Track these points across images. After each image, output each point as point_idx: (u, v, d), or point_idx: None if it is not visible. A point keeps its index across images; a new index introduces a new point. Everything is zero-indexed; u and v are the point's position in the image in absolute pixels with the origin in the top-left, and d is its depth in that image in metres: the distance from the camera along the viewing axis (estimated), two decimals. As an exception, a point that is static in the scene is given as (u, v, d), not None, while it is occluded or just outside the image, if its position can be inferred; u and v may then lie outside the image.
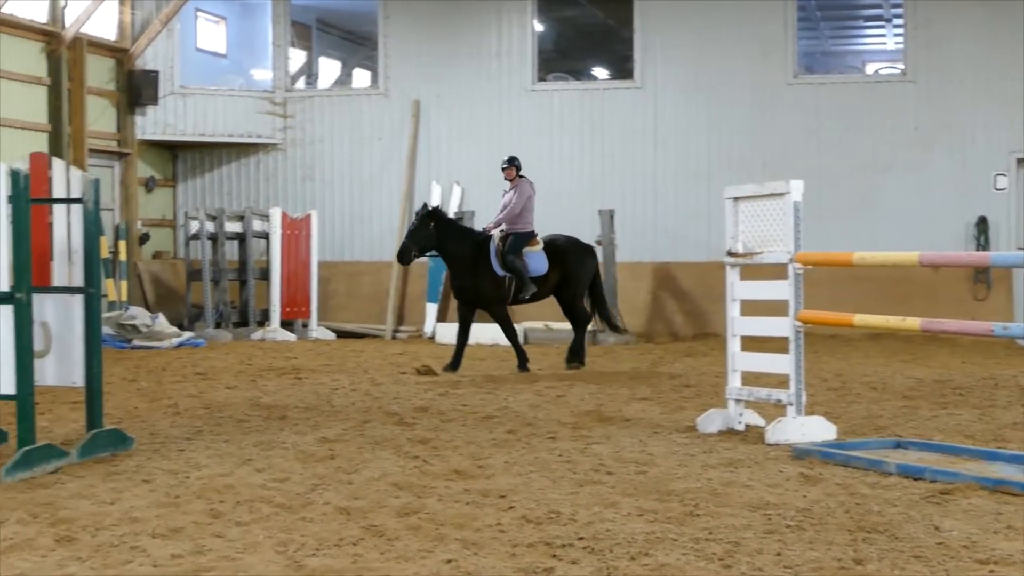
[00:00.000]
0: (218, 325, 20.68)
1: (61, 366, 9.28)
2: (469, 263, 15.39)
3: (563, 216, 21.73)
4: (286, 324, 21.06)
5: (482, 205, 21.76)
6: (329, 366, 16.12)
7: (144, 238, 22.77)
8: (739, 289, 10.43)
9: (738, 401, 10.38)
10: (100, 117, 21.88)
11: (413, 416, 11.22)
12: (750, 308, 10.49)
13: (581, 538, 6.52)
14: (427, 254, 15.95)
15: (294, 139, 23.42)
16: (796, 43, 21.54)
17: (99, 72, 21.88)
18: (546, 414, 11.38)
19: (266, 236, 21.21)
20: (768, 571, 5.93)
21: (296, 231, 21.44)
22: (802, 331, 9.82)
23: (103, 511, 7.23)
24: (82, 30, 20.92)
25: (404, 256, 15.43)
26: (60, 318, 9.23)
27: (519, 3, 22.20)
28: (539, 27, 22.80)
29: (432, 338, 20.53)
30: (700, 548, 6.31)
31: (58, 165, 9.35)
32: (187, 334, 19.73)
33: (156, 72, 22.52)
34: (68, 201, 9.23)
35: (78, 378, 9.27)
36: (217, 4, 24.81)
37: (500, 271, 15.39)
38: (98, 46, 21.75)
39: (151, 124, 22.77)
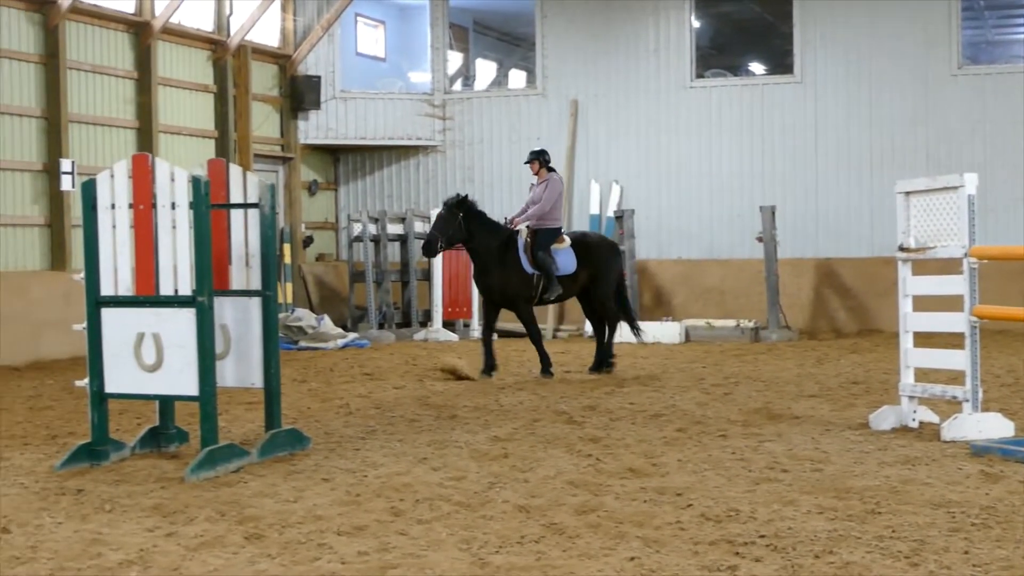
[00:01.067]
0: (381, 326, 20.98)
1: (240, 367, 9.51)
2: (496, 259, 14.62)
3: (724, 213, 21.68)
4: (448, 324, 21.24)
5: (641, 204, 21.77)
6: (493, 365, 16.22)
7: (308, 241, 23.20)
8: (911, 284, 10.27)
9: (912, 398, 10.21)
10: (264, 122, 22.36)
11: (582, 415, 11.25)
12: (918, 304, 10.32)
13: (763, 536, 6.48)
14: (454, 247, 15.19)
15: (453, 140, 23.64)
16: (960, 33, 21.06)
17: (263, 78, 22.36)
18: (714, 412, 11.33)
19: (427, 237, 21.39)
20: (957, 570, 5.84)
21: (457, 232, 21.56)
22: (978, 326, 9.63)
23: (287, 509, 7.40)
24: (246, 38, 21.38)
25: (430, 248, 14.72)
26: (239, 320, 9.47)
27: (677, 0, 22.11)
28: (696, 23, 22.65)
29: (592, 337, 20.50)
30: (885, 546, 6.23)
31: (235, 171, 9.58)
32: (351, 335, 20.04)
33: (318, 77, 22.93)
34: (246, 206, 9.45)
35: (256, 379, 9.50)
36: (376, 8, 25.16)
37: (529, 269, 14.66)
38: (262, 53, 22.23)
39: (313, 128, 23.18)
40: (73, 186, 17.45)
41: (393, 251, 21.60)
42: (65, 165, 17.48)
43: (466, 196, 14.82)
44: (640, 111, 22.34)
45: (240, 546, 6.57)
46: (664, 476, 8.21)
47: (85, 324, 9.13)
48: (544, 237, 14.78)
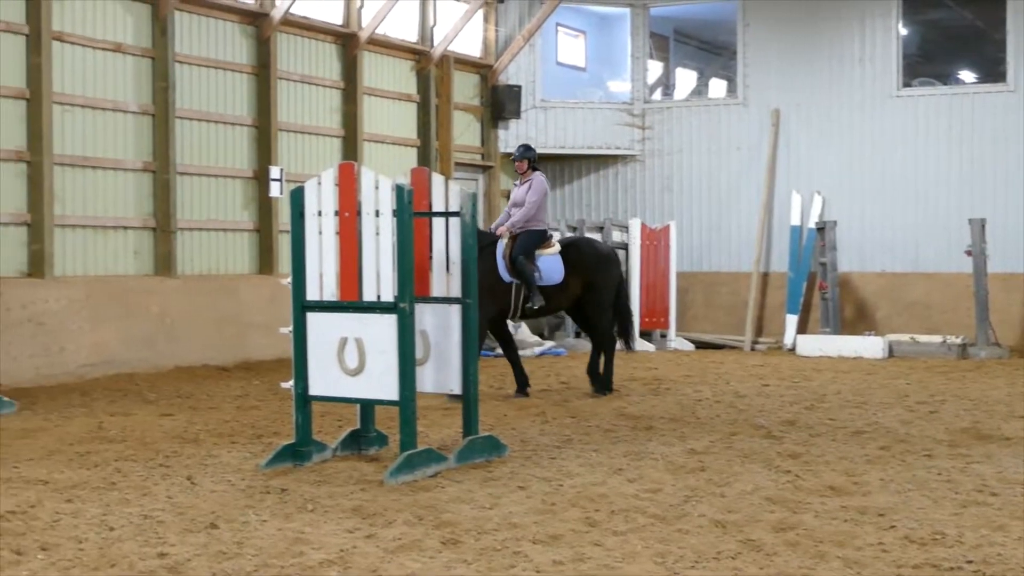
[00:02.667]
0: (578, 335, 20.97)
1: (439, 373, 9.64)
2: None
3: (931, 225, 21.12)
4: (645, 334, 21.16)
5: (844, 215, 21.35)
6: (690, 377, 16.11)
7: (506, 249, 23.33)
8: None
9: None
10: (465, 131, 22.60)
11: (781, 430, 11.08)
12: None
13: (970, 561, 6.27)
14: None
15: (652, 150, 23.54)
16: None
17: (464, 88, 22.62)
18: (919, 430, 11.03)
19: (625, 247, 21.36)
20: None
21: (655, 242, 21.52)
22: None
23: (484, 515, 7.45)
24: (449, 48, 21.64)
25: None
26: (438, 327, 9.59)
27: (883, 6, 21.60)
28: (903, 31, 22.12)
29: (792, 350, 20.23)
30: (1103, 578, 5.98)
31: (437, 180, 9.71)
32: (549, 343, 20.13)
33: (519, 87, 23.09)
34: (447, 215, 9.57)
35: (455, 385, 9.61)
36: (577, 18, 25.20)
37: (507, 277, 13.39)
38: (464, 63, 22.47)
39: (513, 137, 23.32)
40: (281, 193, 17.89)
41: (591, 260, 21.56)
42: (274, 172, 17.93)
43: None
44: (844, 121, 21.91)
45: (437, 551, 6.63)
46: (866, 495, 8.01)
47: (291, 327, 9.35)
48: (526, 240, 13.52)
